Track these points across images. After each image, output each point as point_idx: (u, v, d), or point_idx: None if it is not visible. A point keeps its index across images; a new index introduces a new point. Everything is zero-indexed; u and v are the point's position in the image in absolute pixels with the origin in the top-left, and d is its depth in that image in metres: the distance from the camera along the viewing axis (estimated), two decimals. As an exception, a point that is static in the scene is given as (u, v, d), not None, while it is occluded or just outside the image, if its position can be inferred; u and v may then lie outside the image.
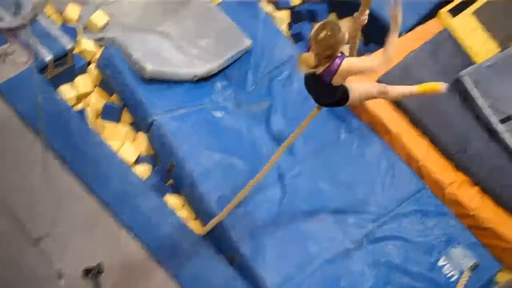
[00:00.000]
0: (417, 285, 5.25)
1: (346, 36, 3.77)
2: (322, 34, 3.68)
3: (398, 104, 5.98)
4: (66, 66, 5.92)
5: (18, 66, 5.42)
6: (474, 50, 6.54)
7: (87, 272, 4.47)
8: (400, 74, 6.08)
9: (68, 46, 5.78)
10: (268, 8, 6.87)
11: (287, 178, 5.57)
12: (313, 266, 5.15)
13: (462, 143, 5.89)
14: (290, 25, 6.95)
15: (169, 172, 5.57)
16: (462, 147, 5.86)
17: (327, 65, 3.78)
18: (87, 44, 6.14)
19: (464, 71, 6.17)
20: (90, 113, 5.82)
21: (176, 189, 5.56)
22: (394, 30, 3.72)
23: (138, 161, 5.69)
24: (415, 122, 5.98)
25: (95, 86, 6.05)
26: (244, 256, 5.10)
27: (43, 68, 5.69)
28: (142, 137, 5.76)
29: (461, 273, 5.35)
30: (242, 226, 5.23)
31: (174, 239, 5.10)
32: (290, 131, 5.79)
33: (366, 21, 3.92)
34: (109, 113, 5.84)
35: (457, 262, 5.36)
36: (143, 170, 5.59)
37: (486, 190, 5.71)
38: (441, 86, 4.42)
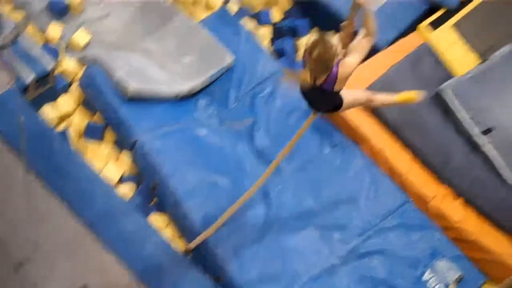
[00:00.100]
0: (403, 299, 5.27)
1: (339, 48, 3.92)
2: (316, 53, 3.82)
3: (381, 118, 6.01)
4: (48, 86, 5.91)
5: (-1, 87, 5.41)
6: (454, 63, 6.60)
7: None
8: (382, 88, 6.10)
9: (50, 66, 5.77)
10: (250, 24, 6.90)
11: (271, 194, 5.57)
12: (300, 283, 5.14)
13: (444, 156, 5.92)
14: (272, 41, 6.97)
15: (153, 191, 5.55)
16: (444, 160, 5.90)
17: (325, 76, 3.91)
18: (69, 64, 6.14)
19: (444, 84, 6.22)
20: (72, 133, 5.80)
21: (160, 208, 5.54)
22: (368, 14, 3.94)
23: (121, 180, 5.66)
24: (398, 136, 6.01)
25: (78, 105, 6.03)
26: (230, 275, 5.09)
27: (24, 89, 5.68)
28: (125, 156, 5.74)
29: (447, 286, 5.37)
30: (227, 244, 5.22)
31: (159, 259, 5.08)
32: (274, 148, 5.85)
33: (354, 28, 4.06)
34: (92, 133, 5.82)
35: (442, 275, 5.38)
36: (126, 190, 5.57)
37: (469, 202, 5.75)
38: (417, 95, 4.63)
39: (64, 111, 5.89)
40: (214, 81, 6.23)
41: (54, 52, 6.11)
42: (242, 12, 7.02)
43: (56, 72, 5.95)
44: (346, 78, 4.01)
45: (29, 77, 5.68)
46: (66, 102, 5.96)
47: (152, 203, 5.57)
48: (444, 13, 7.00)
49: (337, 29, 6.77)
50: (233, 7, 6.99)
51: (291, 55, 6.81)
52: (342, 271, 5.26)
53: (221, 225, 5.09)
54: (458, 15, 6.96)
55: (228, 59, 6.28)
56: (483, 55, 6.69)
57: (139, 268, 4.99)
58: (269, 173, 4.92)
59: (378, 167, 5.87)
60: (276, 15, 7.10)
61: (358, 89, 4.65)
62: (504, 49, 6.58)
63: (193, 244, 5.19)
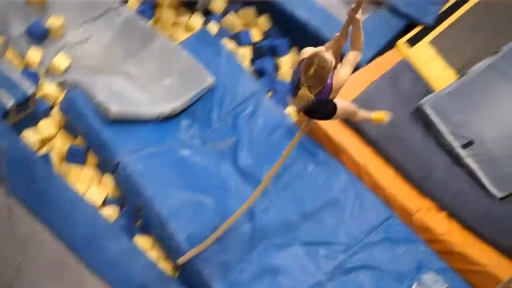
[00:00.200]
0: (391, 314, 5.27)
1: (333, 62, 4.03)
2: (312, 71, 3.95)
3: (363, 134, 6.06)
4: (28, 111, 5.87)
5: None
6: (433, 78, 6.69)
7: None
8: (362, 104, 6.13)
9: (30, 91, 5.74)
10: (230, 45, 6.94)
11: (256, 213, 5.56)
12: (287, 301, 5.13)
13: (426, 170, 5.97)
14: (252, 61, 7.02)
15: (137, 213, 5.52)
16: (426, 174, 5.95)
17: (320, 88, 4.06)
18: (49, 88, 6.12)
19: (424, 99, 6.30)
20: (54, 157, 5.76)
21: (145, 230, 5.50)
22: (357, 29, 4.14)
23: (105, 203, 5.62)
24: (380, 151, 6.05)
25: (59, 129, 5.99)
26: (217, 294, 5.06)
27: (5, 114, 5.64)
28: (108, 179, 5.71)
29: (434, 299, 5.38)
30: (213, 264, 5.19)
31: (145, 281, 5.02)
32: (257, 166, 5.87)
33: (347, 41, 4.21)
34: (74, 156, 5.78)
35: (428, 288, 5.40)
36: (110, 212, 5.53)
37: (452, 215, 5.79)
38: (386, 116, 5.01)
39: (45, 135, 5.86)
40: (196, 101, 6.25)
41: (34, 77, 6.08)
42: (222, 33, 7.07)
43: (36, 96, 5.92)
44: (339, 88, 4.17)
45: (9, 102, 5.64)
46: (47, 126, 5.93)
47: (137, 225, 5.53)
48: (421, 30, 7.12)
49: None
50: (213, 28, 7.05)
51: (271, 74, 6.87)
52: (329, 287, 5.25)
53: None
54: (435, 32, 7.08)
55: (208, 80, 6.31)
56: (461, 70, 6.79)
57: (126, 290, 4.95)
58: (261, 190, 4.95)
59: (362, 183, 5.90)
60: (255, 35, 7.17)
61: (347, 102, 4.85)
62: (480, 64, 6.68)
63: (181, 260, 5.15)
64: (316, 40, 6.85)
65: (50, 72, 6.28)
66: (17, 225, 4.77)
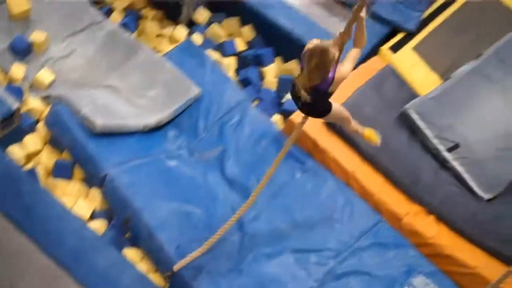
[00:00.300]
0: (382, 319, 5.27)
1: (336, 56, 4.06)
2: (314, 62, 4.00)
3: (349, 140, 6.08)
4: (13, 126, 5.83)
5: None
6: (417, 83, 6.74)
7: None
8: (349, 109, 6.19)
9: (14, 106, 5.71)
10: (214, 55, 6.96)
11: (245, 222, 5.55)
12: (279, 310, 5.12)
13: (413, 175, 6.00)
14: (237, 71, 7.04)
15: (125, 225, 5.49)
16: (413, 179, 5.97)
17: (322, 79, 4.11)
18: (34, 103, 6.09)
19: (409, 104, 6.34)
20: (40, 172, 5.73)
21: (134, 242, 5.47)
22: (361, 27, 4.23)
23: (93, 216, 5.59)
24: (367, 158, 6.07)
25: (45, 144, 5.97)
26: (207, 306, 5.04)
27: (-11, 130, 5.61)
28: (95, 193, 5.68)
29: (425, 302, 5.39)
30: (203, 274, 5.17)
31: (136, 293, 5.00)
32: (245, 175, 5.87)
33: (351, 38, 4.23)
34: (60, 170, 5.75)
35: (419, 291, 5.41)
36: (98, 226, 5.50)
37: (441, 218, 5.81)
38: (378, 140, 5.09)
39: (31, 150, 5.82)
40: (181, 112, 6.25)
41: (18, 92, 6.06)
42: (206, 44, 7.09)
43: (21, 111, 5.89)
44: (340, 82, 4.22)
45: (-7, 118, 5.62)
46: (33, 141, 5.89)
47: (125, 237, 5.50)
48: (404, 36, 7.18)
49: (300, 57, 6.96)
50: (197, 39, 7.06)
51: (256, 83, 6.89)
52: (320, 294, 5.25)
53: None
54: (417, 38, 7.14)
55: (193, 91, 6.31)
56: (444, 75, 6.85)
57: (116, 303, 4.91)
58: (257, 194, 4.98)
59: (350, 189, 5.91)
60: (240, 45, 7.19)
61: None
62: (464, 68, 6.76)
63: (178, 267, 5.12)
64: (300, 48, 6.89)
65: (34, 87, 6.25)
66: (5, 239, 4.72)
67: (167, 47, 6.94)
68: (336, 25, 7.00)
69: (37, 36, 6.44)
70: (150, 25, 7.13)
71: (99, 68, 6.52)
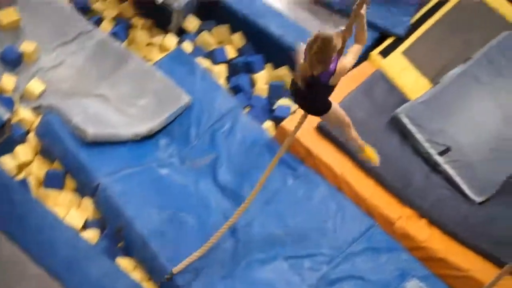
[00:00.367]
0: (377, 323, 5.28)
1: (339, 45, 4.17)
2: (315, 48, 4.07)
3: (340, 145, 6.09)
4: (4, 137, 5.82)
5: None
6: (407, 88, 6.78)
7: None
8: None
9: (5, 116, 5.70)
10: (205, 63, 6.97)
11: (239, 228, 5.55)
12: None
13: (405, 179, 6.02)
14: (228, 78, 7.05)
15: (118, 234, 5.48)
16: (405, 183, 5.99)
17: (322, 69, 4.18)
18: (25, 113, 6.08)
19: (399, 109, 6.37)
20: (32, 182, 5.71)
21: (127, 251, 5.45)
22: (361, 24, 4.30)
23: (85, 226, 5.57)
24: (359, 162, 6.07)
25: (36, 154, 5.95)
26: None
27: (-19, 141, 5.60)
28: (87, 202, 5.66)
29: (418, 306, 5.40)
30: (197, 281, 5.17)
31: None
32: (237, 182, 5.87)
33: (352, 35, 4.34)
34: (52, 181, 5.73)
35: (413, 295, 5.42)
36: (91, 235, 5.48)
37: (433, 221, 5.82)
38: (377, 160, 5.13)
39: (22, 160, 5.81)
40: (173, 120, 6.25)
41: (9, 102, 6.05)
42: (196, 52, 7.09)
43: (12, 121, 5.88)
44: (341, 74, 4.28)
45: (-16, 128, 5.61)
46: (24, 151, 5.88)
47: (118, 246, 5.48)
48: (393, 41, 7.21)
49: (290, 64, 7.00)
50: (187, 47, 7.07)
51: (247, 90, 6.90)
52: (314, 300, 5.26)
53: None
54: (407, 43, 7.18)
55: (184, 99, 6.31)
56: (434, 79, 6.90)
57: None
58: (252, 198, 5.04)
59: (342, 194, 5.92)
60: (230, 52, 7.20)
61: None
62: (453, 72, 6.80)
63: (177, 269, 5.12)
64: (290, 55, 6.92)
65: (25, 98, 6.25)
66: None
67: (158, 55, 6.94)
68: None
69: (27, 46, 6.44)
70: (140, 34, 7.14)
71: (89, 78, 6.51)
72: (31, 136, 6.01)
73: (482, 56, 6.95)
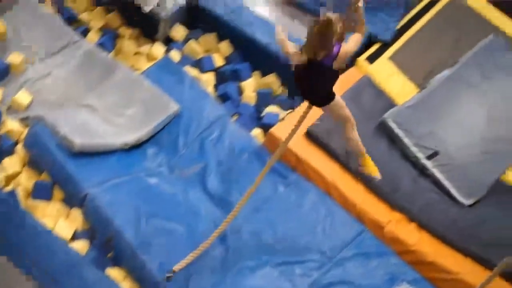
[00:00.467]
0: (368, 328, 5.27)
1: (340, 27, 4.28)
2: (316, 29, 4.24)
3: (329, 151, 6.10)
4: (-8, 149, 5.81)
5: None
6: (394, 93, 6.80)
7: None
8: (327, 121, 6.24)
9: (-7, 128, 5.70)
10: (193, 71, 6.98)
11: (229, 236, 5.55)
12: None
13: (394, 183, 6.03)
14: (216, 86, 7.06)
15: (108, 245, 5.46)
16: (394, 187, 6.00)
17: (326, 52, 4.33)
18: (12, 125, 6.06)
19: (387, 114, 6.40)
20: (20, 193, 5.69)
21: (116, 262, 5.43)
22: (359, 16, 4.45)
23: (74, 237, 5.55)
24: (348, 168, 6.09)
25: (24, 166, 5.93)
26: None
27: (-32, 153, 5.58)
28: (76, 213, 5.64)
29: (409, 309, 5.40)
30: (187, 290, 5.16)
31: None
32: (226, 190, 5.87)
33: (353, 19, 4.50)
34: (40, 192, 5.71)
35: (403, 299, 5.42)
36: (80, 246, 5.45)
37: (422, 225, 5.83)
38: (377, 174, 5.23)
39: (10, 172, 5.79)
40: (161, 129, 6.25)
41: (-4, 114, 6.04)
42: (184, 61, 7.11)
43: (0, 133, 5.86)
44: (344, 58, 4.43)
45: (-29, 141, 5.59)
46: (12, 163, 5.86)
47: (108, 256, 5.46)
48: (380, 47, 7.25)
49: (278, 71, 7.03)
50: (175, 56, 7.08)
51: (235, 98, 6.91)
52: (305, 306, 5.25)
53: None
54: (393, 48, 7.22)
55: (172, 108, 6.32)
56: (421, 84, 6.93)
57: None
58: (243, 203, 5.09)
59: (332, 200, 5.93)
60: (218, 60, 7.22)
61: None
62: (440, 76, 6.85)
63: (177, 267, 5.10)
64: (277, 63, 6.97)
65: (13, 109, 6.24)
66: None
67: (145, 65, 6.94)
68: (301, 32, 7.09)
69: (14, 58, 6.44)
70: (127, 44, 7.14)
71: (77, 88, 6.51)
72: (19, 147, 5.99)
73: (468, 60, 7.00)
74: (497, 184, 6.25)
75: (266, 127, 6.50)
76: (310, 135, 6.17)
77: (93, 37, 7.06)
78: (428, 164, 6.19)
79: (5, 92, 6.27)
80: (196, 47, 7.26)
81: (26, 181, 5.79)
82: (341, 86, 6.58)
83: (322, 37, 4.26)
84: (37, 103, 6.29)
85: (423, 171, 6.18)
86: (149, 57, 7.11)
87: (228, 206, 5.65)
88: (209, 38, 7.35)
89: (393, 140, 6.33)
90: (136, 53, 7.15)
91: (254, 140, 6.35)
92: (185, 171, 6.02)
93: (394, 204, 5.92)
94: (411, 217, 5.87)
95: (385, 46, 7.23)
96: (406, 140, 6.29)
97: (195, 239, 5.35)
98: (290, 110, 6.74)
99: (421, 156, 6.21)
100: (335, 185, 5.99)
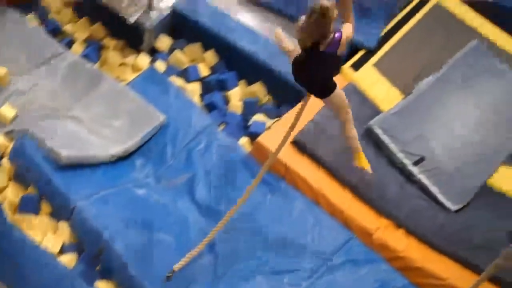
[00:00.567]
0: (358, 336, 5.27)
1: (336, 14, 4.34)
2: (313, 17, 4.29)
3: (316, 158, 6.12)
4: (-23, 163, 5.77)
5: None
6: (379, 100, 6.84)
7: None
8: (314, 129, 6.28)
9: (-23, 143, 5.65)
10: (179, 81, 6.98)
11: (218, 245, 5.54)
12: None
13: (381, 190, 6.05)
14: (202, 96, 7.06)
15: (97, 257, 5.42)
16: (380, 193, 6.02)
17: (326, 40, 4.42)
18: (-2, 138, 6.03)
19: (372, 121, 6.43)
20: (7, 207, 5.64)
21: (105, 274, 5.39)
22: (348, 9, 4.64)
23: (62, 250, 5.51)
24: (335, 175, 6.10)
25: (10, 180, 5.89)
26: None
27: (-47, 168, 5.52)
28: (64, 226, 5.60)
29: (400, 316, 5.41)
30: (177, 301, 5.14)
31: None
32: (215, 200, 5.86)
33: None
34: (27, 206, 5.67)
35: (394, 305, 5.43)
36: (68, 259, 5.41)
37: (410, 231, 5.85)
38: (369, 169, 5.51)
39: (-4, 187, 5.76)
40: (148, 140, 6.24)
41: (-19, 129, 6.00)
42: (170, 71, 7.11)
43: (-16, 148, 5.84)
44: (344, 45, 4.56)
45: (-44, 156, 5.54)
46: (-2, 177, 5.83)
47: (96, 269, 5.43)
48: (364, 54, 7.30)
49: (263, 80, 7.05)
50: (160, 67, 7.08)
51: (221, 107, 6.91)
52: (295, 315, 5.24)
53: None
54: (377, 55, 7.27)
55: (158, 118, 6.31)
56: (405, 90, 6.97)
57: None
58: (240, 204, 5.16)
59: (320, 207, 5.94)
60: (203, 70, 7.23)
61: None
62: (424, 82, 6.90)
63: (177, 267, 5.12)
64: (263, 71, 6.99)
65: (-3, 123, 6.20)
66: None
67: (131, 75, 6.94)
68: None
69: (-2, 71, 6.40)
70: (112, 55, 7.13)
71: (62, 100, 6.48)
72: (5, 161, 5.95)
73: (452, 65, 7.06)
74: (484, 189, 6.29)
75: (253, 136, 6.51)
76: (297, 144, 6.18)
77: (78, 48, 7.04)
78: (415, 170, 6.22)
79: (-10, 105, 6.23)
80: (181, 57, 7.26)
81: (12, 195, 5.75)
82: (327, 94, 6.65)
83: (320, 24, 4.31)
84: (22, 116, 6.25)
85: (409, 177, 6.21)
86: (134, 68, 7.11)
87: (217, 216, 5.64)
88: (194, 48, 7.35)
89: (379, 146, 6.36)
90: (121, 64, 7.14)
91: (242, 149, 6.35)
92: (173, 181, 6.01)
93: (381, 211, 5.94)
94: (399, 223, 5.89)
95: (370, 53, 7.28)
96: (392, 146, 6.32)
97: (184, 249, 5.33)
98: (277, 119, 6.76)
99: (407, 162, 6.24)
100: (322, 193, 6.00)
